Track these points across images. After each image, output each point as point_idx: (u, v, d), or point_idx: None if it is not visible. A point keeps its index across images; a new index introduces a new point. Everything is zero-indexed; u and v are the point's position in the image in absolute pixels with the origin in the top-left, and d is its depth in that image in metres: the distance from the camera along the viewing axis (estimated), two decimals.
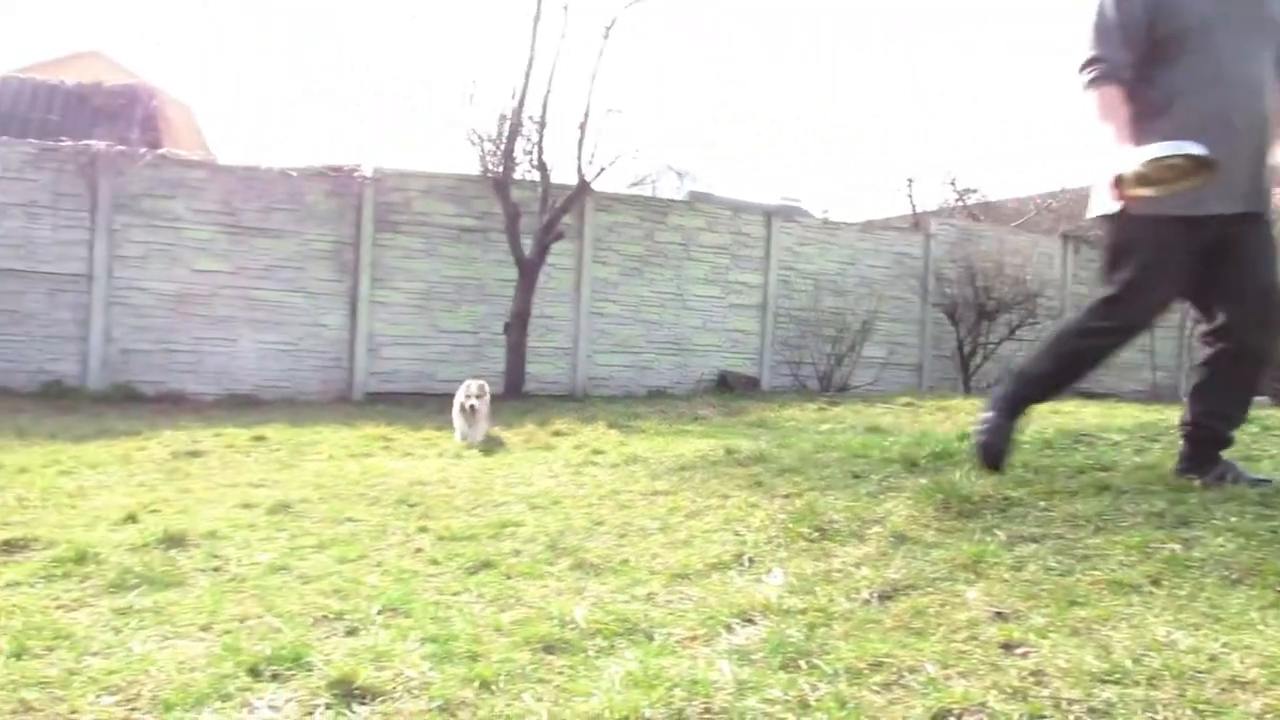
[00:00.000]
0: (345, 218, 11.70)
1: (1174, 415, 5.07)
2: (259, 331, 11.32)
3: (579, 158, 12.01)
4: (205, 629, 2.80)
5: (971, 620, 2.54)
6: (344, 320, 11.69)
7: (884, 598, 2.81)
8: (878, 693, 2.17)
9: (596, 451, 6.29)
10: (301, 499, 4.77)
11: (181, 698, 2.25)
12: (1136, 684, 2.06)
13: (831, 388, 13.05)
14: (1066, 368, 3.88)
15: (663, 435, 7.71)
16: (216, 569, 3.51)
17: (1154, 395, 15.24)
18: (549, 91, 11.89)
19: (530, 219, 11.87)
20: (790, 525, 3.63)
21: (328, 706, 2.22)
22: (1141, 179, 3.25)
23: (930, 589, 2.84)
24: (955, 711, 2.02)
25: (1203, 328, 3.68)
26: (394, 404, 10.76)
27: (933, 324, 14.61)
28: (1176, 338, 16.32)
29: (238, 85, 46.70)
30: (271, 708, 2.22)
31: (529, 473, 5.45)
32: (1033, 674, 2.16)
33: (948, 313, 14.17)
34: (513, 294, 11.75)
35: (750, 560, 3.36)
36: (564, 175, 12.23)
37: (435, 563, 3.58)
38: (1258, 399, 3.88)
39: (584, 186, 12.08)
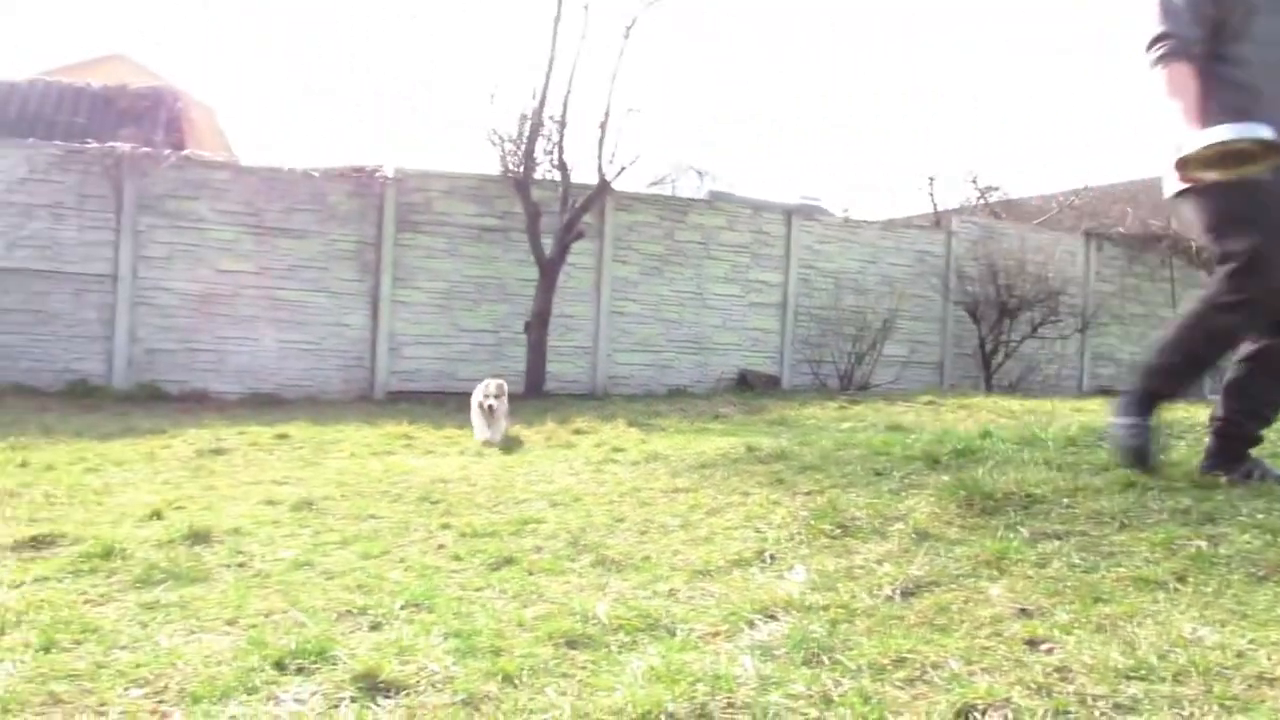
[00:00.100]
0: (367, 218, 11.76)
1: (1198, 413, 5.04)
2: (282, 331, 11.40)
3: (599, 157, 12.03)
4: (231, 623, 2.83)
5: (995, 617, 2.53)
6: (366, 320, 11.75)
7: (907, 594, 2.80)
8: (901, 688, 2.16)
9: (617, 449, 6.30)
10: (324, 496, 4.80)
11: (208, 690, 2.27)
12: (1162, 680, 2.05)
13: (852, 386, 13.01)
14: (1199, 354, 3.70)
15: (683, 433, 7.71)
16: (241, 564, 3.53)
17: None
18: (569, 91, 11.93)
19: (551, 218, 11.90)
20: (812, 522, 3.63)
21: (352, 700, 2.23)
22: (1206, 161, 3.17)
23: (953, 585, 2.82)
24: (979, 707, 2.01)
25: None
26: (415, 403, 10.80)
27: (954, 322, 14.54)
28: None
29: (256, 86, 47.06)
30: (297, 701, 2.23)
31: (550, 470, 5.47)
32: (1057, 670, 2.15)
33: (969, 311, 14.10)
34: (533, 293, 11.78)
35: (772, 557, 3.35)
36: (584, 175, 12.27)
37: (458, 559, 3.60)
38: None
39: (604, 186, 12.09)
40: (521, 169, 11.83)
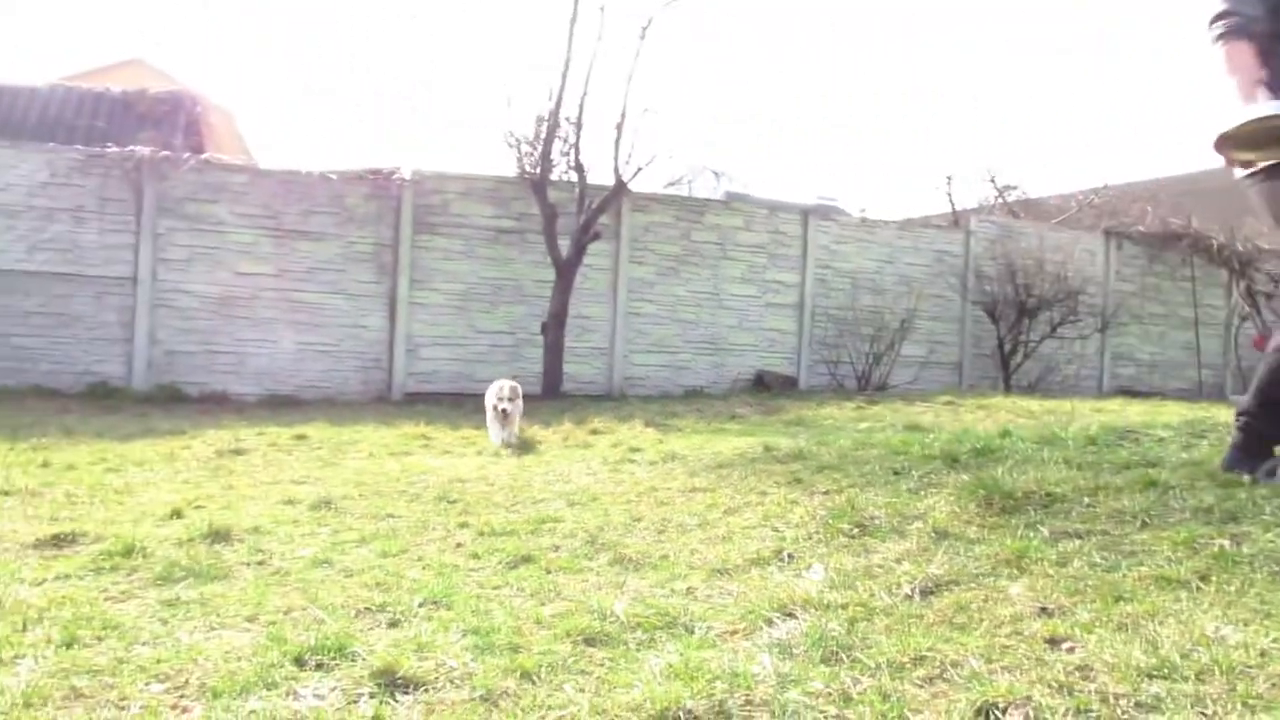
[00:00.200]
0: (384, 220, 11.81)
1: (1221, 413, 4.99)
2: (300, 333, 11.45)
3: (616, 158, 12.02)
4: (250, 620, 2.84)
5: (1015, 615, 2.51)
6: (383, 321, 11.79)
7: (926, 593, 2.79)
8: (920, 686, 2.16)
9: (634, 449, 6.30)
10: (343, 495, 4.82)
11: (228, 685, 2.28)
12: (1185, 679, 2.03)
13: (870, 387, 12.96)
14: None
15: (700, 433, 7.71)
16: (261, 563, 3.55)
17: (1200, 394, 15.00)
18: (586, 93, 11.93)
19: (567, 220, 11.90)
20: (830, 521, 3.62)
21: (371, 695, 2.24)
22: (1252, 141, 3.10)
23: (973, 584, 2.81)
24: (1000, 705, 2.00)
25: None
26: (432, 404, 10.84)
27: (972, 322, 14.47)
28: (1222, 336, 16.07)
29: (261, 87, 47.33)
30: (316, 696, 2.24)
31: (567, 470, 5.47)
32: (1079, 669, 2.13)
33: (988, 310, 14.03)
34: (550, 294, 11.79)
35: (790, 556, 3.35)
36: (601, 176, 12.27)
37: (475, 557, 3.61)
38: None
39: (621, 187, 12.09)
40: (538, 170, 11.84)
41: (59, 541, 3.78)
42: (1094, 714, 1.94)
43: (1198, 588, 2.59)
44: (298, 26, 53.30)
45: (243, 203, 11.27)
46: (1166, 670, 2.07)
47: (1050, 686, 2.05)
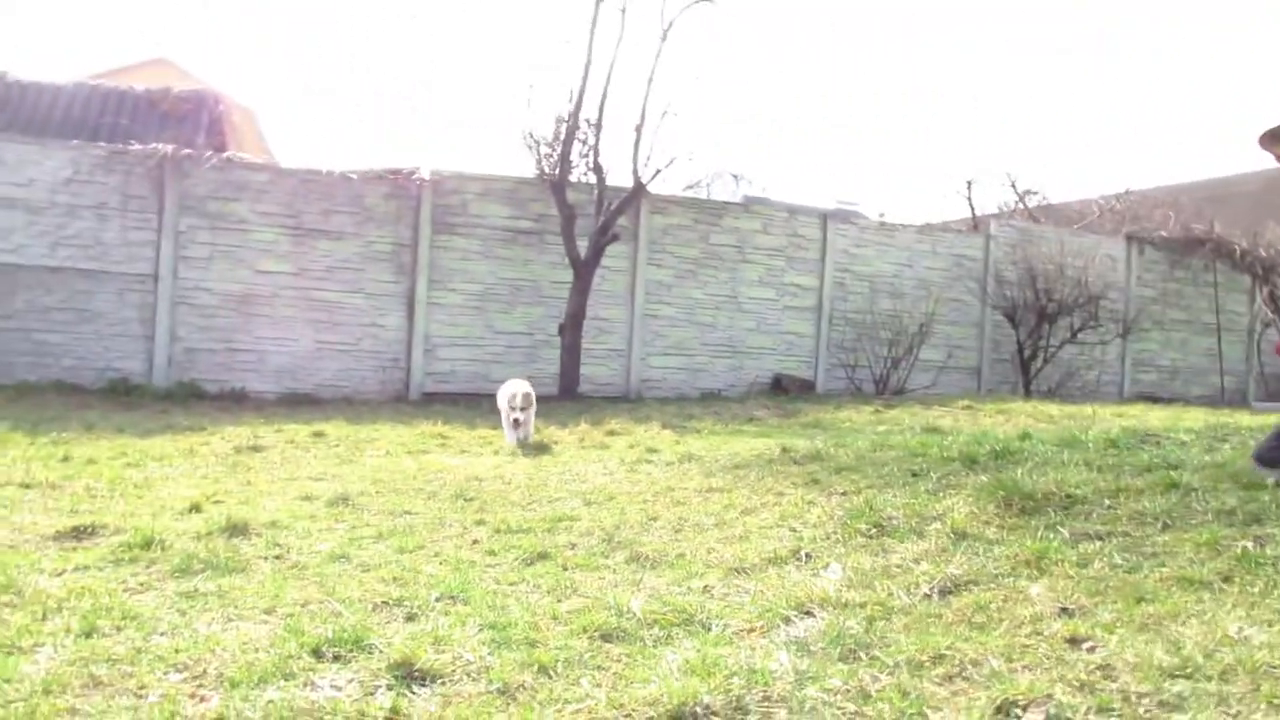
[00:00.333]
0: (404, 220, 11.84)
1: (1244, 419, 4.94)
2: (319, 331, 11.49)
3: (635, 160, 12.01)
4: (268, 612, 2.85)
5: (1035, 615, 2.49)
6: (401, 321, 11.82)
7: (945, 592, 2.78)
8: (939, 684, 2.14)
9: (651, 450, 6.30)
10: (360, 492, 4.83)
11: (246, 675, 2.29)
12: (1209, 679, 2.01)
13: (888, 391, 12.91)
14: None
15: (717, 435, 7.69)
16: (278, 556, 3.57)
17: (1222, 400, 14.87)
18: (605, 94, 11.93)
19: (586, 221, 11.91)
20: (848, 522, 3.60)
21: (389, 687, 2.24)
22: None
23: (992, 584, 2.79)
24: (1020, 703, 1.98)
25: None
26: (449, 404, 10.86)
27: (992, 326, 14.39)
28: (1245, 342, 15.93)
29: (271, 84, 47.59)
30: (334, 687, 2.25)
31: (584, 470, 5.47)
32: (1100, 668, 2.11)
33: (1007, 315, 13.95)
34: (567, 296, 11.80)
35: (808, 555, 3.33)
36: (619, 178, 12.26)
37: (492, 554, 3.61)
38: None
39: (639, 189, 12.09)
40: (557, 171, 11.85)
41: (79, 534, 3.80)
42: (1116, 712, 1.92)
43: (1220, 589, 2.56)
44: (297, 26, 53.61)
45: (263, 201, 11.33)
46: (1190, 670, 2.05)
47: (1071, 685, 2.04)
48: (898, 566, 3.07)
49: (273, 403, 10.46)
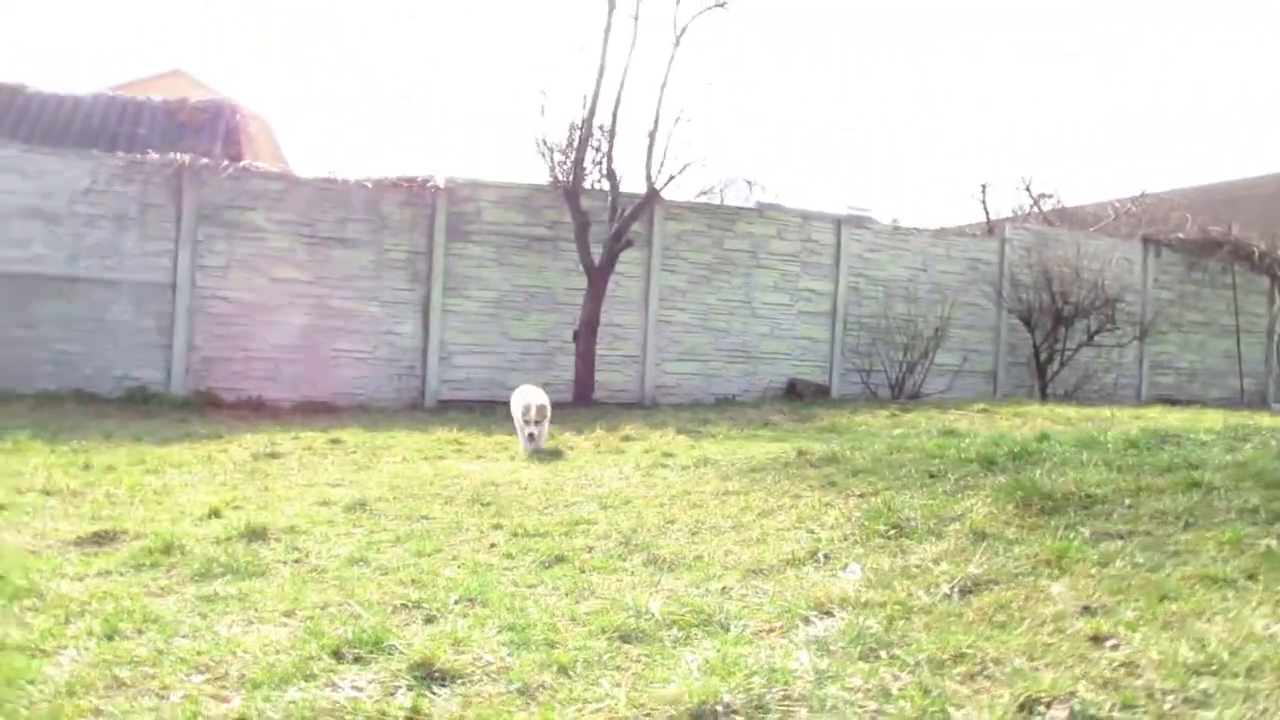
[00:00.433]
0: (418, 228, 11.88)
1: (1264, 420, 4.91)
2: (335, 339, 11.54)
3: (648, 166, 12.03)
4: (288, 615, 2.86)
5: (1057, 614, 2.48)
6: (417, 328, 11.86)
7: (965, 592, 2.76)
8: (961, 683, 2.13)
9: (666, 455, 6.29)
10: (377, 497, 4.85)
11: (267, 676, 2.30)
12: (1235, 675, 1.99)
13: (903, 395, 12.86)
14: None
15: (733, 439, 7.68)
16: (297, 560, 3.58)
17: (1241, 402, 14.76)
18: (619, 101, 11.95)
19: (600, 228, 11.92)
20: (866, 523, 3.59)
21: (409, 688, 2.25)
22: None
23: (1012, 584, 2.78)
24: (1043, 700, 1.97)
25: None
26: (465, 410, 10.88)
27: (1008, 330, 14.34)
28: (1264, 344, 15.82)
29: (297, 91, 47.90)
30: (355, 688, 2.25)
31: (600, 475, 5.47)
32: (1124, 665, 2.10)
33: (1023, 318, 13.88)
34: (582, 302, 11.81)
35: (826, 556, 3.32)
36: (633, 184, 12.27)
37: (509, 557, 3.61)
38: None
39: (653, 195, 12.10)
40: (571, 178, 11.88)
41: (100, 539, 3.83)
42: (1141, 709, 1.91)
43: (1245, 586, 2.54)
44: (297, 27, 53.91)
45: (279, 210, 11.38)
46: (1215, 667, 2.04)
47: (1095, 682, 2.02)
48: (917, 567, 3.06)
49: (289, 410, 10.50)
